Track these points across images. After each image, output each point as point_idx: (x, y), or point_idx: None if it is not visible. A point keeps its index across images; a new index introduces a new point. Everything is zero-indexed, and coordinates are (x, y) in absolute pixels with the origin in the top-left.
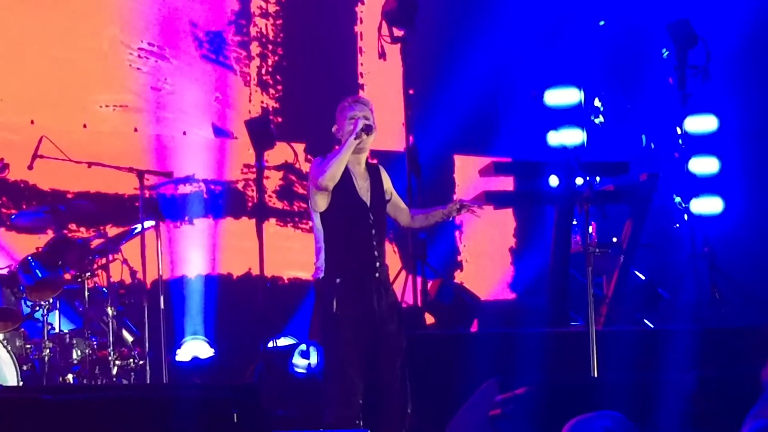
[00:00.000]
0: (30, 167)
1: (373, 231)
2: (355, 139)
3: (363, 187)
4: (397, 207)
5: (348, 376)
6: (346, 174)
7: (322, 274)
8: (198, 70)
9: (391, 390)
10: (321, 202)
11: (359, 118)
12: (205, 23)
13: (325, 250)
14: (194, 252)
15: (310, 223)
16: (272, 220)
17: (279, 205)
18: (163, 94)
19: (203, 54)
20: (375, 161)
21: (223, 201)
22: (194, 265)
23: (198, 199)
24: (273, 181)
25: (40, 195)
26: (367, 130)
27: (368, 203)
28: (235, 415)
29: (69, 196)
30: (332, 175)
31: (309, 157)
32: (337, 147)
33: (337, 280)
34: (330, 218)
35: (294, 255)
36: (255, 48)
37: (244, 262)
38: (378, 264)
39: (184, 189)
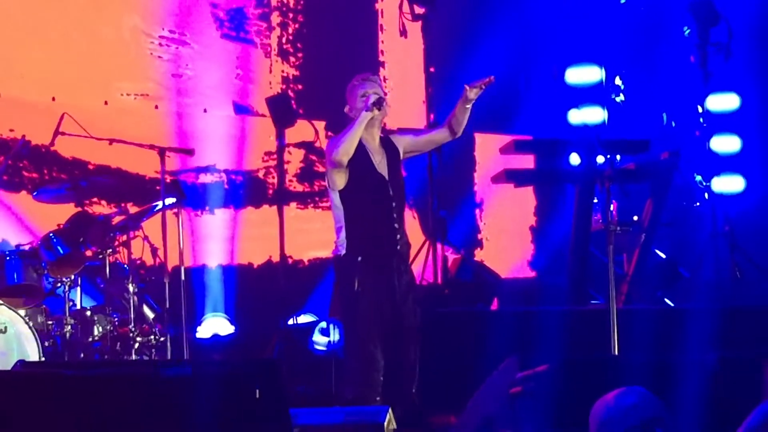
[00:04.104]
0: (51, 144)
1: (393, 204)
2: (367, 111)
3: (380, 162)
4: (432, 138)
5: (368, 352)
6: (362, 150)
7: (343, 251)
8: (219, 50)
9: (402, 368)
10: (339, 180)
11: (370, 94)
12: (226, 2)
13: (345, 228)
14: (215, 242)
15: (330, 203)
16: (292, 205)
17: (299, 188)
18: (184, 79)
19: (224, 33)
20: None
21: (244, 191)
22: (215, 255)
23: (219, 189)
24: (293, 165)
25: (62, 163)
26: (379, 103)
27: (386, 177)
28: (257, 391)
29: (90, 167)
30: (345, 150)
31: (329, 134)
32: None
33: (359, 258)
34: (349, 195)
35: (314, 235)
36: (276, 18)
37: (264, 250)
38: (399, 236)
39: (205, 178)
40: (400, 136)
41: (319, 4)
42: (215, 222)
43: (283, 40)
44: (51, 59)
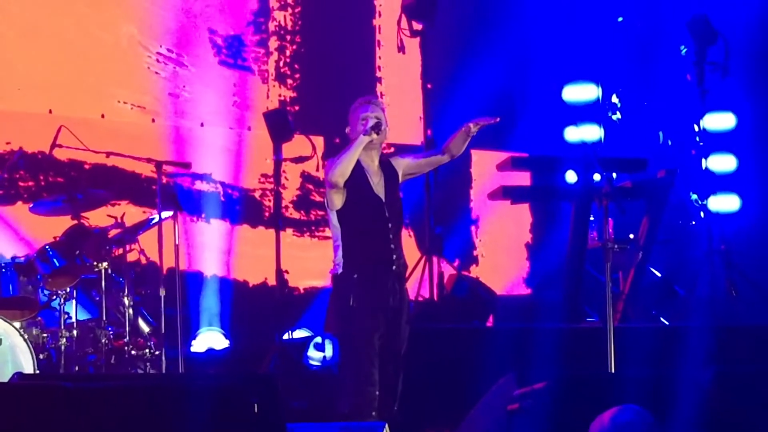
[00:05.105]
0: (48, 155)
1: (390, 225)
2: (365, 135)
3: (378, 184)
4: (431, 161)
5: (364, 368)
6: (361, 171)
7: (340, 270)
8: (216, 76)
9: (383, 386)
10: (336, 200)
11: (370, 117)
12: (224, 29)
13: (342, 247)
14: (210, 251)
15: (327, 231)
16: (289, 231)
17: (296, 215)
18: (181, 101)
19: (221, 60)
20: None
21: (241, 207)
22: (210, 264)
23: (215, 199)
24: (290, 191)
25: (58, 166)
26: (377, 127)
27: (383, 198)
28: (255, 405)
29: (86, 167)
30: (342, 171)
31: (325, 163)
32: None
33: (355, 276)
34: (347, 215)
35: (311, 264)
36: (273, 43)
37: (260, 271)
38: (395, 256)
39: (202, 186)
40: (399, 159)
41: (317, 21)
42: (211, 231)
43: (281, 63)
44: (48, 71)
